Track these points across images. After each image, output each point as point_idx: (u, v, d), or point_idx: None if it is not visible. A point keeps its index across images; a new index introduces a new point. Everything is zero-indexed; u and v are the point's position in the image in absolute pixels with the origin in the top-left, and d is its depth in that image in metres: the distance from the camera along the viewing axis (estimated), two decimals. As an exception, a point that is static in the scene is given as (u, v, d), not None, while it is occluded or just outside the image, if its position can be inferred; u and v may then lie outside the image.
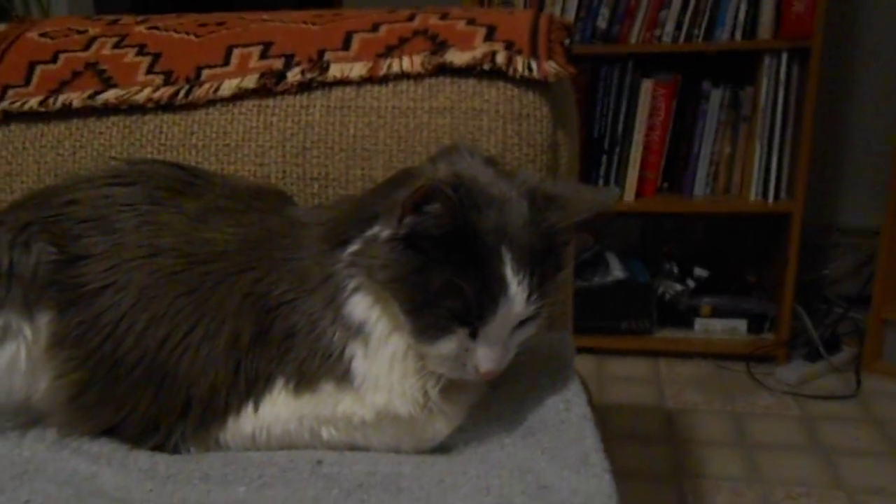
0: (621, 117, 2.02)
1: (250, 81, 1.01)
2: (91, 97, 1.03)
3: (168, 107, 1.02)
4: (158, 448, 0.78)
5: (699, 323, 2.08)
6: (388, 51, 1.00)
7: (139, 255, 0.80)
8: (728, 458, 1.63)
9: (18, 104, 1.05)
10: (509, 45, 0.98)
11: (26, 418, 0.82)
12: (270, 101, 1.01)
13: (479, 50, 0.97)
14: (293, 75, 1.00)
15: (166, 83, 1.03)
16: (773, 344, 2.04)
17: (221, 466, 0.75)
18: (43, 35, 1.13)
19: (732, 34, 1.92)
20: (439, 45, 0.99)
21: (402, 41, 1.01)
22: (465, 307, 0.69)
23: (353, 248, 0.74)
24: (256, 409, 0.76)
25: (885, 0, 2.12)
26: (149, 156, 1.02)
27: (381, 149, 0.98)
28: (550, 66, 0.96)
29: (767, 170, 1.97)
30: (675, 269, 2.13)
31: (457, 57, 0.97)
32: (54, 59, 1.08)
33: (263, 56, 1.03)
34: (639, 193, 2.05)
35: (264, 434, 0.77)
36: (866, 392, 1.89)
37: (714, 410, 1.83)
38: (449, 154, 0.79)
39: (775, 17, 1.90)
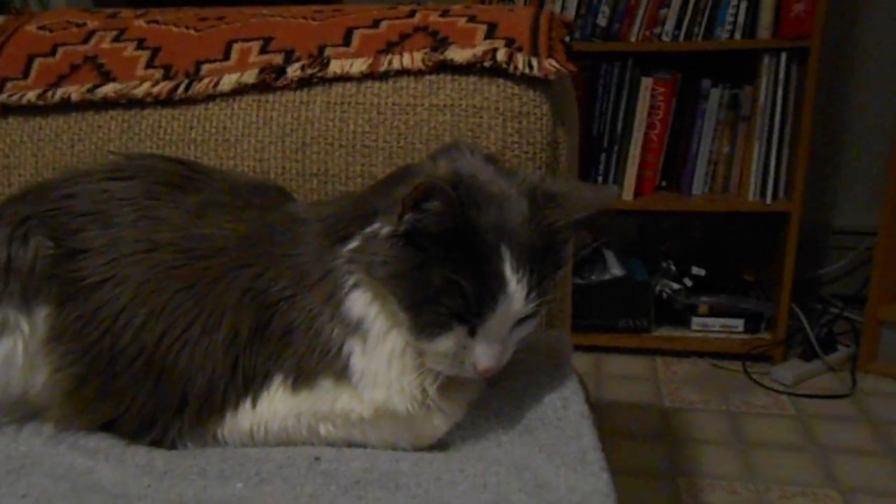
0: (620, 115, 2.02)
1: (250, 76, 1.01)
2: (90, 91, 1.03)
3: (167, 101, 1.02)
4: (156, 443, 0.78)
5: (696, 321, 2.08)
6: (389, 47, 1.00)
7: (138, 250, 0.80)
8: (724, 457, 1.64)
9: (17, 97, 1.05)
10: (510, 43, 0.98)
11: (23, 413, 0.82)
12: (270, 97, 1.01)
13: (480, 47, 0.97)
14: (293, 71, 1.00)
15: (165, 77, 1.03)
16: (769, 343, 2.04)
17: (219, 462, 0.75)
18: (41, 28, 1.12)
19: (732, 33, 1.92)
20: (440, 42, 0.99)
21: (403, 37, 1.01)
22: (465, 304, 0.69)
23: (352, 244, 0.74)
24: (254, 405, 0.76)
25: (884, 1, 2.12)
26: (148, 150, 1.02)
27: (380, 145, 0.98)
28: (551, 64, 0.96)
29: (766, 169, 1.98)
30: (673, 268, 2.13)
31: (457, 54, 0.97)
32: (53, 53, 1.08)
33: (263, 51, 1.03)
34: (637, 192, 2.05)
35: (262, 430, 0.77)
36: (862, 392, 1.90)
37: (710, 409, 1.83)
38: (449, 151, 0.79)
39: (775, 16, 1.90)
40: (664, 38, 1.95)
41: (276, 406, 0.76)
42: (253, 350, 0.76)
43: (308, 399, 0.75)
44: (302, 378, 0.75)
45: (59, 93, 1.04)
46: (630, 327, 2.08)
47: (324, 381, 0.74)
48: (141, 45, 1.07)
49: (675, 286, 2.10)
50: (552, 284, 0.74)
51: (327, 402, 0.75)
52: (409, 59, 0.98)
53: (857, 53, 2.17)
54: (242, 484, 0.72)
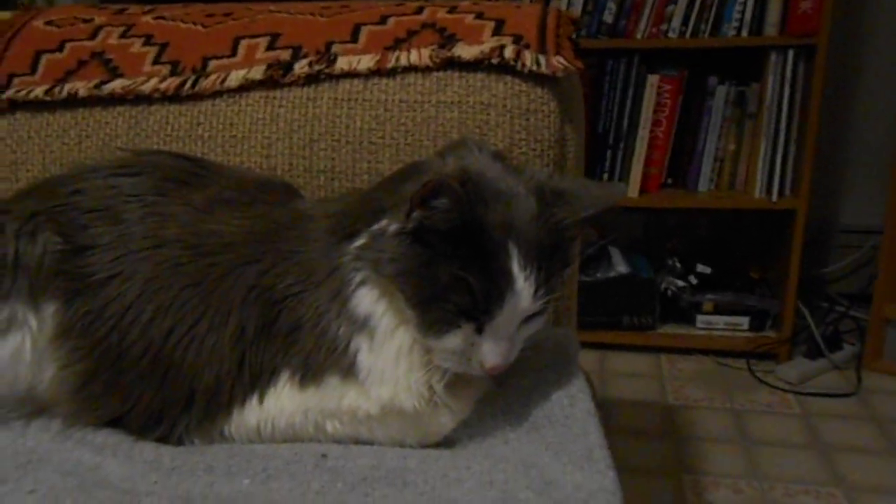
0: (626, 112, 2.02)
1: (257, 72, 1.01)
2: (97, 87, 1.03)
3: (174, 97, 1.02)
4: (163, 439, 0.78)
5: (701, 319, 2.08)
6: (396, 43, 1.00)
7: (145, 246, 0.80)
8: (728, 455, 1.64)
9: (24, 93, 1.05)
10: (517, 40, 0.98)
11: (31, 408, 0.82)
12: (277, 93, 1.01)
13: (488, 44, 0.97)
14: (300, 67, 1.00)
15: (173, 73, 1.03)
16: (774, 341, 2.04)
17: (226, 458, 0.75)
18: (49, 24, 1.13)
19: (739, 30, 1.92)
20: (447, 39, 0.99)
21: (411, 34, 1.01)
22: (472, 302, 0.69)
23: (359, 241, 0.74)
24: (261, 401, 0.76)
25: (891, -1, 2.12)
26: (155, 146, 1.02)
27: (387, 142, 0.98)
28: (558, 61, 0.96)
29: (772, 167, 1.97)
30: (678, 265, 2.13)
31: (465, 51, 0.97)
32: (60, 48, 1.08)
33: (271, 47, 1.03)
34: (643, 189, 2.05)
35: (269, 427, 0.77)
36: (867, 390, 1.89)
37: (715, 407, 1.83)
38: (457, 149, 0.79)
39: (782, 13, 1.89)
40: (671, 34, 1.94)
41: (283, 403, 0.76)
42: (260, 346, 0.76)
43: (315, 396, 0.75)
44: (309, 375, 0.75)
45: (67, 88, 1.04)
46: (635, 325, 2.08)
47: (331, 377, 0.74)
48: (148, 41, 1.07)
49: (681, 283, 2.10)
50: (560, 282, 0.73)
51: (334, 398, 0.75)
52: (417, 55, 0.98)
53: (864, 51, 2.16)
54: (249, 480, 0.72)
